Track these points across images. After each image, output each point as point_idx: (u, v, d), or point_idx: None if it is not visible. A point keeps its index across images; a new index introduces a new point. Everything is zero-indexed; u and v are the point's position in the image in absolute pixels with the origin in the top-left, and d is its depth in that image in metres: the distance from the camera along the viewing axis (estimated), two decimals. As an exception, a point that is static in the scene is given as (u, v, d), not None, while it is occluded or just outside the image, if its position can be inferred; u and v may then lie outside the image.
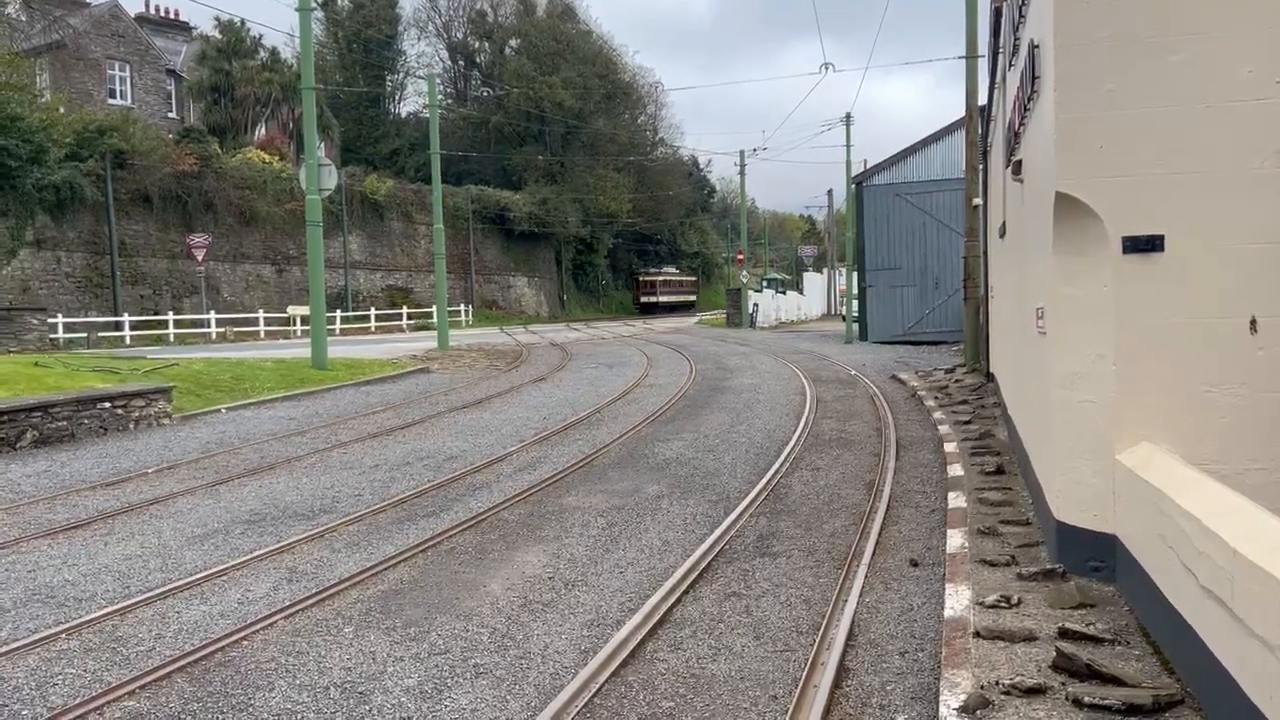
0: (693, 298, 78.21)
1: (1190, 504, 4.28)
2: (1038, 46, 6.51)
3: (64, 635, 5.83)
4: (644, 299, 70.98)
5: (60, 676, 5.22)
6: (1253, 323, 5.52)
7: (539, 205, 59.15)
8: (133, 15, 47.77)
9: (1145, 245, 5.65)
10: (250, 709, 4.77)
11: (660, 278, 73.25)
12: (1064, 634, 4.92)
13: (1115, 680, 4.31)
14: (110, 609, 6.26)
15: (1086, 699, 4.15)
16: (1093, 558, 5.84)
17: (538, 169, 61.97)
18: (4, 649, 5.58)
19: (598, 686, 4.90)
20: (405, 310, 47.37)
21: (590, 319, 60.77)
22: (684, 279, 77.71)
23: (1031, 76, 6.75)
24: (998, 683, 4.39)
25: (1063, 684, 4.36)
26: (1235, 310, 5.55)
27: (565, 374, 22.49)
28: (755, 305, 48.68)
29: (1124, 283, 5.69)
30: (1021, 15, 8.09)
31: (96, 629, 5.94)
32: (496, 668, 5.24)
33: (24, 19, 41.55)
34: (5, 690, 5.04)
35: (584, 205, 62.17)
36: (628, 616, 5.91)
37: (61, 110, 34.80)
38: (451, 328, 35.62)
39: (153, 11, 51.77)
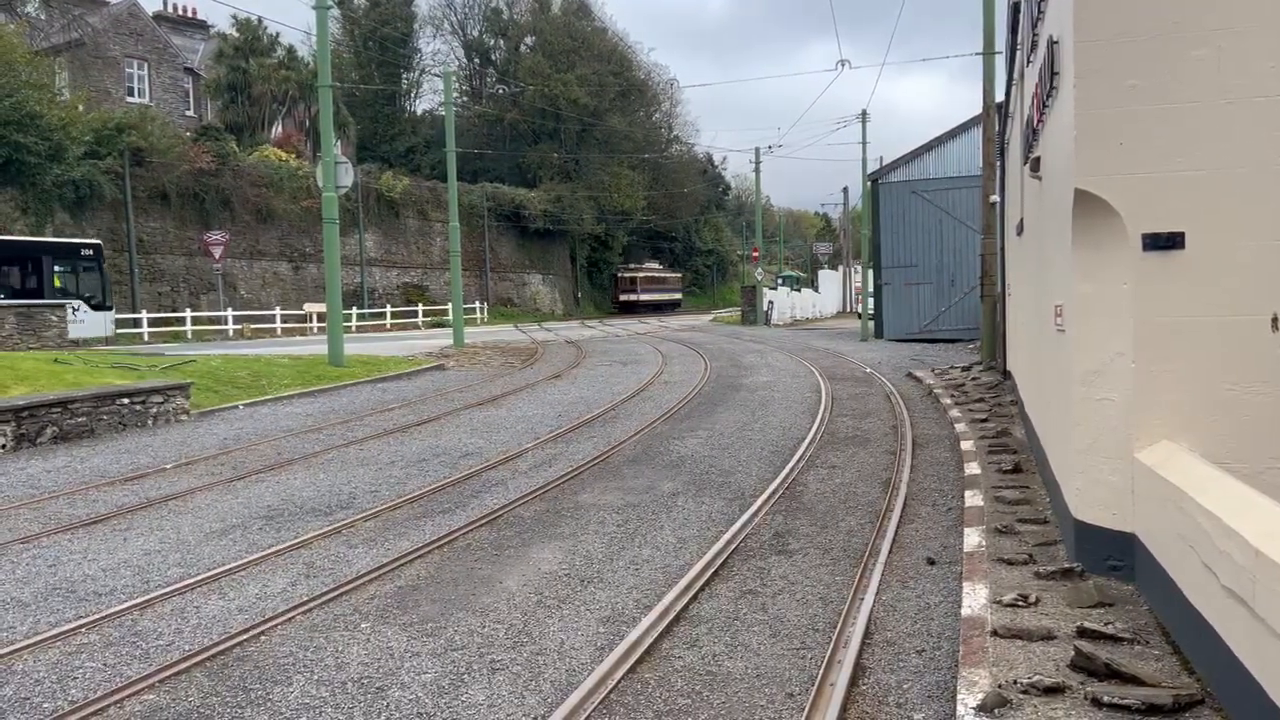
0: (678, 296, 72.67)
1: (1211, 502, 4.24)
2: (1057, 42, 6.47)
3: (84, 629, 5.88)
4: (623, 297, 66.71)
5: (80, 670, 5.26)
6: (1274, 320, 5.46)
7: (554, 203, 59.22)
8: (151, 14, 48.08)
9: (1165, 242, 5.61)
10: (268, 703, 4.81)
11: (641, 274, 68.41)
12: (1082, 633, 4.89)
13: (1134, 680, 4.29)
14: (130, 603, 6.31)
15: (1105, 698, 4.13)
16: (1111, 556, 5.80)
17: (553, 166, 62.05)
18: (25, 642, 5.64)
19: (614, 683, 4.91)
20: (421, 307, 47.55)
21: (605, 316, 60.81)
22: (668, 275, 72.46)
23: (1050, 73, 6.71)
24: (1016, 682, 4.37)
25: (1081, 683, 4.33)
26: (1256, 308, 5.49)
27: (580, 371, 22.51)
28: (770, 303, 48.60)
29: (1144, 280, 5.65)
30: (1040, 11, 8.03)
31: (116, 623, 5.99)
32: (513, 664, 5.25)
33: (43, 17, 41.86)
34: (27, 683, 5.09)
35: (599, 203, 62.14)
36: (643, 614, 5.91)
37: (80, 108, 35.12)
38: (466, 325, 35.71)
39: (170, 10, 52.11)
